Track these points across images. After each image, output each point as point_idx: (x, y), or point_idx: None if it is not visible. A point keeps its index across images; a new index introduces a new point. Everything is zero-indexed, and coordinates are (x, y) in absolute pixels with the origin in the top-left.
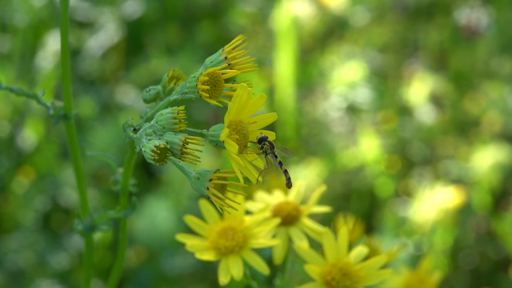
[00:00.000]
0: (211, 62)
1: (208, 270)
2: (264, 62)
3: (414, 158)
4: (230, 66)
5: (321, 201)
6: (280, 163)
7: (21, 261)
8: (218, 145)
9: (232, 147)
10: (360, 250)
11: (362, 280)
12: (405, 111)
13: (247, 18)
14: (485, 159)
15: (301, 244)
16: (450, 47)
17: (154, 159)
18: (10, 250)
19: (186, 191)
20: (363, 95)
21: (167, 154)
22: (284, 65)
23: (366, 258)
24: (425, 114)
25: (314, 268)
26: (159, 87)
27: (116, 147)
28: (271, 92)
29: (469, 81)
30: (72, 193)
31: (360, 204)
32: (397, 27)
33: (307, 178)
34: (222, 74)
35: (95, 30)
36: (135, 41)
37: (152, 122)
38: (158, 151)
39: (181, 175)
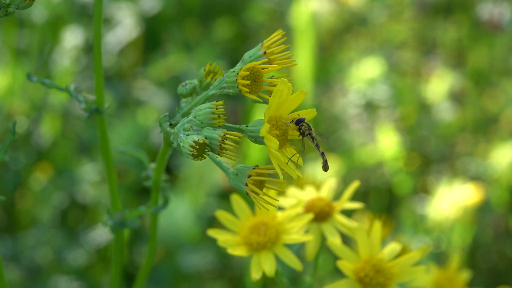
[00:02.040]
0: (250, 57)
1: (226, 268)
2: None
3: (432, 155)
4: (269, 61)
5: (339, 197)
6: (318, 146)
7: (38, 257)
8: (257, 141)
9: (272, 142)
10: (394, 246)
11: (395, 277)
12: (423, 108)
13: (264, 15)
14: (504, 157)
15: (334, 240)
16: (468, 44)
17: (193, 154)
18: (27, 246)
19: (204, 188)
20: (382, 92)
21: (206, 150)
22: (302, 61)
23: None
24: (444, 111)
25: (347, 264)
26: (195, 81)
27: (134, 143)
28: None
29: (488, 78)
30: (89, 190)
31: (379, 202)
32: (415, 24)
33: (324, 175)
34: (262, 69)
35: (113, 26)
36: (152, 37)
37: (190, 117)
38: (197, 147)
39: (199, 172)
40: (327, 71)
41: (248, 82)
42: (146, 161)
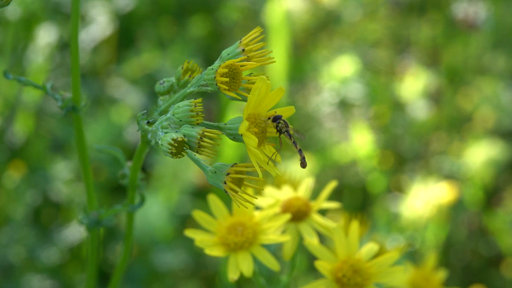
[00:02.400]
0: (228, 55)
1: (200, 266)
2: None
3: (406, 154)
4: (247, 59)
5: (313, 197)
6: (295, 143)
7: (11, 256)
8: (236, 138)
9: (251, 140)
10: (371, 247)
11: (373, 277)
12: (397, 106)
13: (239, 13)
14: (477, 155)
15: (312, 240)
16: (442, 43)
17: (171, 152)
18: (0, 245)
19: (178, 186)
20: (356, 90)
21: (184, 147)
22: (277, 60)
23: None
24: (418, 109)
25: (324, 264)
26: (172, 79)
27: (108, 141)
28: None
29: (462, 77)
30: (62, 188)
31: (353, 200)
32: (389, 22)
33: (298, 173)
34: (241, 66)
35: (87, 23)
36: (126, 34)
37: (168, 115)
38: (176, 144)
39: (172, 170)
40: (302, 70)
41: (227, 79)
42: (122, 159)
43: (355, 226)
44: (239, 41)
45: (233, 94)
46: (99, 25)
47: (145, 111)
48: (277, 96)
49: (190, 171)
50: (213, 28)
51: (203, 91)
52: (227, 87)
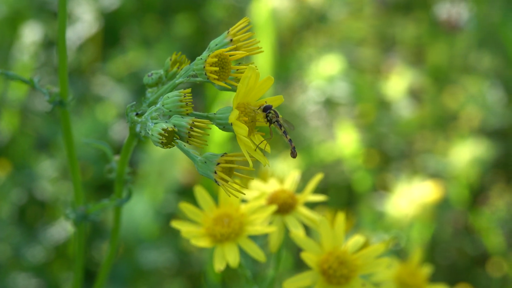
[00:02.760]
0: (216, 45)
1: (185, 264)
2: None
3: (392, 153)
4: (236, 49)
5: (299, 192)
6: (285, 132)
7: None
8: (226, 128)
9: (241, 129)
10: (357, 239)
11: (359, 269)
12: (382, 105)
13: (224, 11)
14: (463, 154)
15: (298, 232)
16: (427, 42)
17: (162, 142)
18: None
19: (163, 184)
20: (341, 88)
21: (174, 137)
22: (262, 58)
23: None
24: (403, 108)
25: (311, 256)
26: (161, 71)
27: (93, 138)
28: None
29: (447, 76)
30: (47, 186)
31: (338, 198)
32: (374, 21)
33: (284, 171)
34: (229, 56)
35: (72, 21)
36: (112, 32)
37: (158, 105)
38: (166, 134)
39: (158, 168)
40: (287, 68)
41: (217, 68)
42: (109, 153)
43: (340, 218)
44: (227, 32)
45: (222, 84)
46: (84, 24)
47: (134, 102)
48: (266, 85)
49: (175, 169)
50: (198, 26)
51: (192, 82)
52: (216, 76)
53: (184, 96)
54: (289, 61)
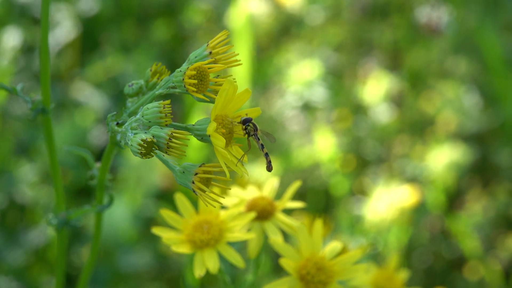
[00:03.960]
0: (196, 57)
1: (164, 268)
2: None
3: (369, 157)
4: (215, 61)
5: (277, 198)
6: (262, 146)
7: None
8: (204, 139)
9: (219, 141)
10: (335, 245)
11: (337, 275)
12: (360, 110)
13: (202, 16)
14: (440, 159)
15: (276, 239)
16: (404, 47)
17: (141, 152)
18: None
19: (142, 189)
20: (319, 93)
21: (153, 148)
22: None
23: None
24: (380, 113)
25: (289, 262)
26: (141, 81)
27: (72, 144)
28: None
29: (424, 81)
30: (27, 190)
31: (316, 203)
32: (352, 27)
33: (262, 176)
34: (208, 68)
35: (51, 27)
36: (90, 38)
37: (137, 116)
38: (145, 145)
39: (136, 173)
40: (265, 73)
41: (195, 81)
42: (90, 160)
43: (318, 225)
44: (206, 44)
45: (201, 96)
46: (63, 29)
47: (114, 112)
48: (244, 97)
49: (154, 174)
50: (176, 31)
51: (171, 93)
52: (195, 89)
53: (164, 108)
54: (267, 66)
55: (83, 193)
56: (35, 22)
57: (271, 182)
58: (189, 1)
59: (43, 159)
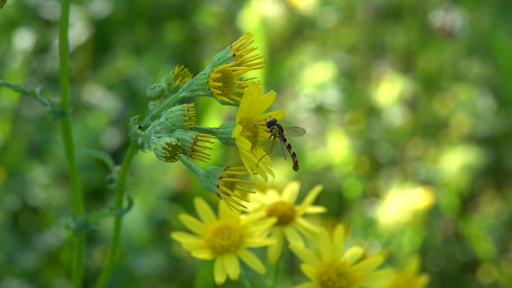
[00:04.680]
0: (219, 60)
1: (177, 270)
2: None
3: (382, 159)
4: (238, 64)
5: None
6: (289, 146)
7: None
8: (228, 143)
9: (244, 144)
10: (355, 251)
11: (358, 280)
12: (373, 112)
13: (214, 18)
14: (453, 161)
15: (297, 244)
16: (417, 49)
17: (166, 156)
18: None
19: (155, 190)
20: (332, 96)
21: (178, 152)
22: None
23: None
24: (393, 115)
25: (310, 268)
26: (163, 84)
27: (84, 146)
28: None
29: (437, 83)
30: (40, 192)
31: (329, 205)
32: (365, 29)
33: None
34: (232, 71)
35: None
36: (102, 40)
37: (161, 119)
38: (170, 149)
39: (149, 175)
40: (278, 75)
41: (220, 84)
42: (110, 164)
43: (340, 230)
44: (229, 46)
45: (225, 99)
46: (75, 31)
47: (137, 115)
48: (269, 100)
49: (167, 176)
50: (188, 33)
51: (195, 95)
52: (220, 92)
53: (188, 111)
54: (280, 68)
55: (95, 194)
56: (47, 24)
57: (291, 187)
58: (202, 3)
59: (55, 161)
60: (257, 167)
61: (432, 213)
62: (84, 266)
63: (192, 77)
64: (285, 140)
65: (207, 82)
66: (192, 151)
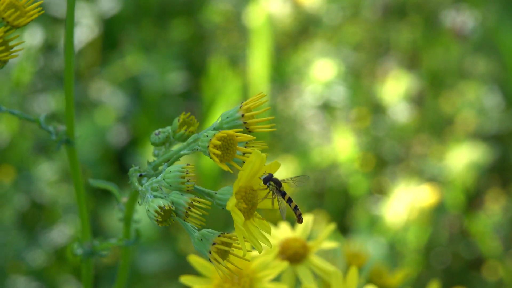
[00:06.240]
0: (227, 118)
1: (182, 268)
2: (238, 60)
3: (388, 157)
4: (246, 125)
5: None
6: (290, 200)
7: None
8: (225, 209)
9: (238, 217)
10: None
11: None
12: (378, 109)
13: (221, 16)
14: (459, 158)
15: (309, 286)
16: (422, 46)
17: (157, 220)
18: None
19: None
20: (337, 93)
21: (171, 215)
22: (258, 62)
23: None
24: (399, 112)
25: None
26: (168, 129)
27: (91, 142)
28: (245, 90)
29: (443, 80)
30: (46, 189)
31: (334, 202)
32: (370, 26)
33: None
34: (237, 136)
35: None
36: (110, 37)
37: (159, 178)
38: (162, 213)
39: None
40: (283, 72)
41: (219, 152)
42: (117, 195)
43: (353, 271)
44: (239, 105)
45: (225, 167)
46: (83, 28)
47: (137, 166)
48: (272, 170)
49: None
50: (195, 31)
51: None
52: (218, 160)
53: (187, 173)
54: (285, 65)
55: (101, 191)
56: (55, 21)
57: (305, 220)
58: (208, 1)
59: (62, 157)
60: (253, 238)
61: (438, 211)
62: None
63: (196, 130)
64: (284, 194)
65: (208, 146)
66: (186, 216)
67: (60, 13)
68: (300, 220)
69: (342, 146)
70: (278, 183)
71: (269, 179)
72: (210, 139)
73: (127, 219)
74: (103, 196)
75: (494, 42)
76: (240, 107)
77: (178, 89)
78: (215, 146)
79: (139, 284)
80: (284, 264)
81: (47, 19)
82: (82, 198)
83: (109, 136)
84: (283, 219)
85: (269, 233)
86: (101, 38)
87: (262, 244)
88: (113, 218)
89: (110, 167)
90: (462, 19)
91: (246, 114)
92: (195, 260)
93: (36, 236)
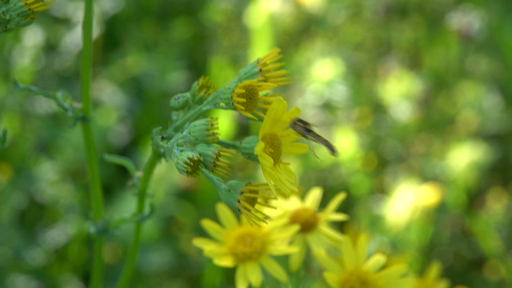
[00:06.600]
0: (245, 74)
1: (184, 267)
2: (239, 59)
3: (389, 156)
4: (265, 79)
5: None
6: (317, 137)
7: None
8: (251, 158)
9: (267, 161)
10: (378, 258)
11: None
12: (380, 108)
13: (222, 15)
14: (460, 158)
15: (320, 251)
16: (424, 45)
17: (187, 171)
18: None
19: (162, 187)
20: (339, 92)
21: (199, 166)
22: None
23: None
24: (400, 112)
25: (332, 275)
26: (187, 94)
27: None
28: None
29: (444, 80)
30: (47, 188)
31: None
32: (371, 25)
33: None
34: (258, 87)
35: (73, 25)
36: (111, 37)
37: (184, 133)
38: (191, 164)
39: (158, 171)
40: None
41: (244, 100)
42: (132, 170)
43: (363, 238)
44: (256, 61)
45: (249, 115)
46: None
47: (160, 126)
48: (294, 115)
49: (175, 172)
50: (196, 30)
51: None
52: (243, 108)
53: (211, 125)
54: (287, 65)
55: (104, 189)
56: (56, 21)
57: (313, 193)
58: (209, 0)
59: (63, 157)
60: (280, 182)
61: (439, 210)
62: (91, 262)
63: (217, 90)
64: (310, 131)
65: (231, 97)
66: (214, 166)
67: (61, 13)
68: (334, 152)
69: (344, 146)
70: (304, 122)
71: (295, 123)
72: (233, 90)
73: (141, 193)
74: (105, 196)
75: (495, 41)
76: (257, 62)
77: (180, 88)
78: (239, 95)
79: (140, 284)
80: (296, 227)
81: (48, 19)
82: (96, 176)
83: (110, 135)
84: (333, 153)
85: (294, 179)
86: (102, 38)
87: (276, 209)
88: (117, 218)
89: (111, 166)
90: (468, 21)
91: (264, 69)
92: (208, 225)
93: (36, 235)
